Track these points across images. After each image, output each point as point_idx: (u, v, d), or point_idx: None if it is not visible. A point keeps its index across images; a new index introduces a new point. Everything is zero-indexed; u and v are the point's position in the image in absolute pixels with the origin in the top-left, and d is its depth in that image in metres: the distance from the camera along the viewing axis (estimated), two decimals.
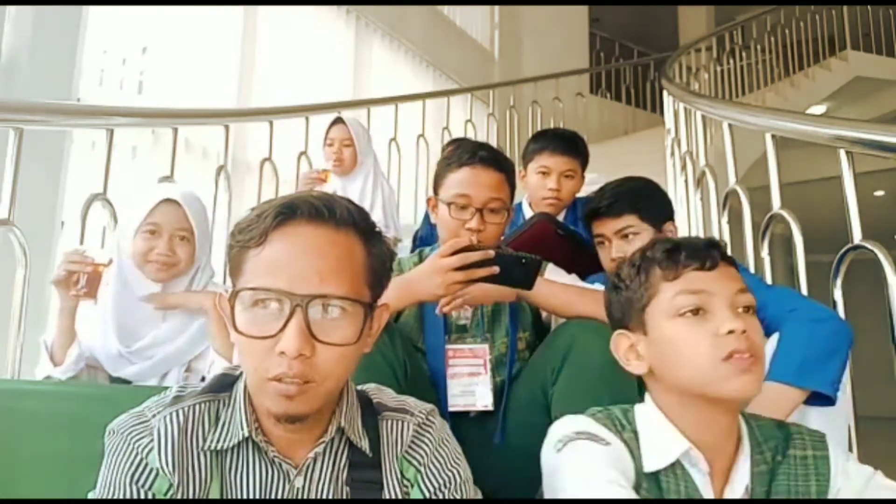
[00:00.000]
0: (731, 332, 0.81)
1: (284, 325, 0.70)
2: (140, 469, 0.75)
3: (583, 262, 1.67)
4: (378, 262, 0.78)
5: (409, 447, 0.81)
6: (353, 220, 0.76)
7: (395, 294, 1.25)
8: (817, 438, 0.90)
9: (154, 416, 0.77)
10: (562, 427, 0.88)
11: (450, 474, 0.81)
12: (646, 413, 0.89)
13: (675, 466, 0.85)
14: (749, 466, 0.86)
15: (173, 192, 1.46)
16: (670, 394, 0.88)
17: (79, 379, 1.42)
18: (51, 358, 1.40)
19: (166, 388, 0.83)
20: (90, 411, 1.07)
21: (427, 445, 0.82)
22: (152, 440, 0.75)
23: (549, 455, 0.87)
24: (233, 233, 0.76)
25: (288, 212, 0.74)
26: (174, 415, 0.77)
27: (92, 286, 1.39)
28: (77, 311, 1.42)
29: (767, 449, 0.88)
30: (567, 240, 1.78)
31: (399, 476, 0.80)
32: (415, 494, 0.80)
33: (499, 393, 1.32)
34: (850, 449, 1.36)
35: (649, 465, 0.85)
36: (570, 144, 2.04)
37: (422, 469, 0.81)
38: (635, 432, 0.87)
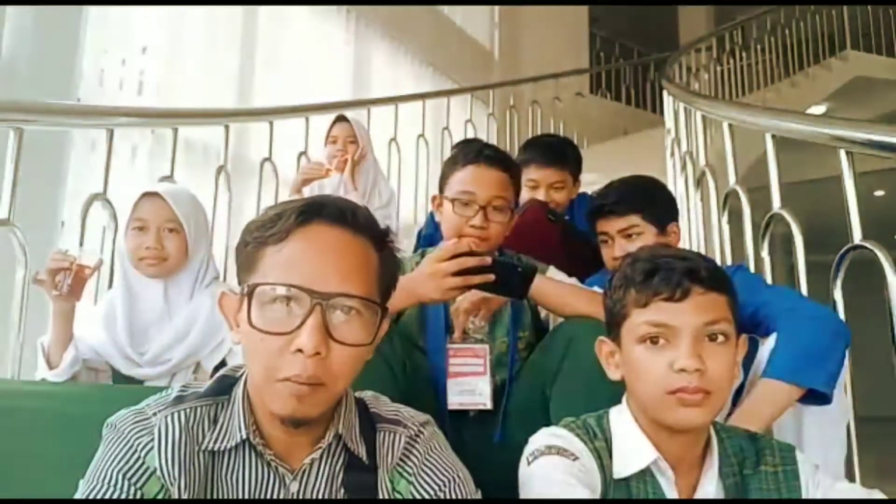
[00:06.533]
0: (682, 370, 0.83)
1: (302, 323, 0.70)
2: (135, 467, 0.73)
3: (574, 250, 1.66)
4: (388, 270, 0.80)
5: (401, 459, 0.81)
6: (370, 227, 0.78)
7: (396, 294, 1.25)
8: (786, 453, 0.92)
9: (155, 414, 0.76)
10: (536, 439, 0.91)
11: (442, 481, 0.80)
12: (620, 417, 0.92)
13: (645, 473, 0.88)
14: (716, 480, 0.88)
15: (156, 187, 1.47)
16: (637, 405, 0.91)
17: (76, 381, 1.41)
18: (46, 361, 1.39)
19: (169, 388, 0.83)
20: (90, 411, 1.07)
21: (416, 456, 0.81)
22: (152, 439, 0.74)
23: (522, 466, 0.90)
24: (248, 229, 0.76)
25: (311, 211, 0.74)
26: (176, 415, 0.76)
27: (76, 286, 1.38)
28: (76, 315, 1.41)
29: (736, 462, 0.90)
30: (558, 226, 1.77)
31: (390, 488, 0.80)
32: None
33: (499, 392, 1.32)
34: (850, 449, 1.36)
35: (620, 471, 0.88)
36: (557, 155, 1.98)
37: (413, 479, 0.80)
38: (607, 440, 0.90)
